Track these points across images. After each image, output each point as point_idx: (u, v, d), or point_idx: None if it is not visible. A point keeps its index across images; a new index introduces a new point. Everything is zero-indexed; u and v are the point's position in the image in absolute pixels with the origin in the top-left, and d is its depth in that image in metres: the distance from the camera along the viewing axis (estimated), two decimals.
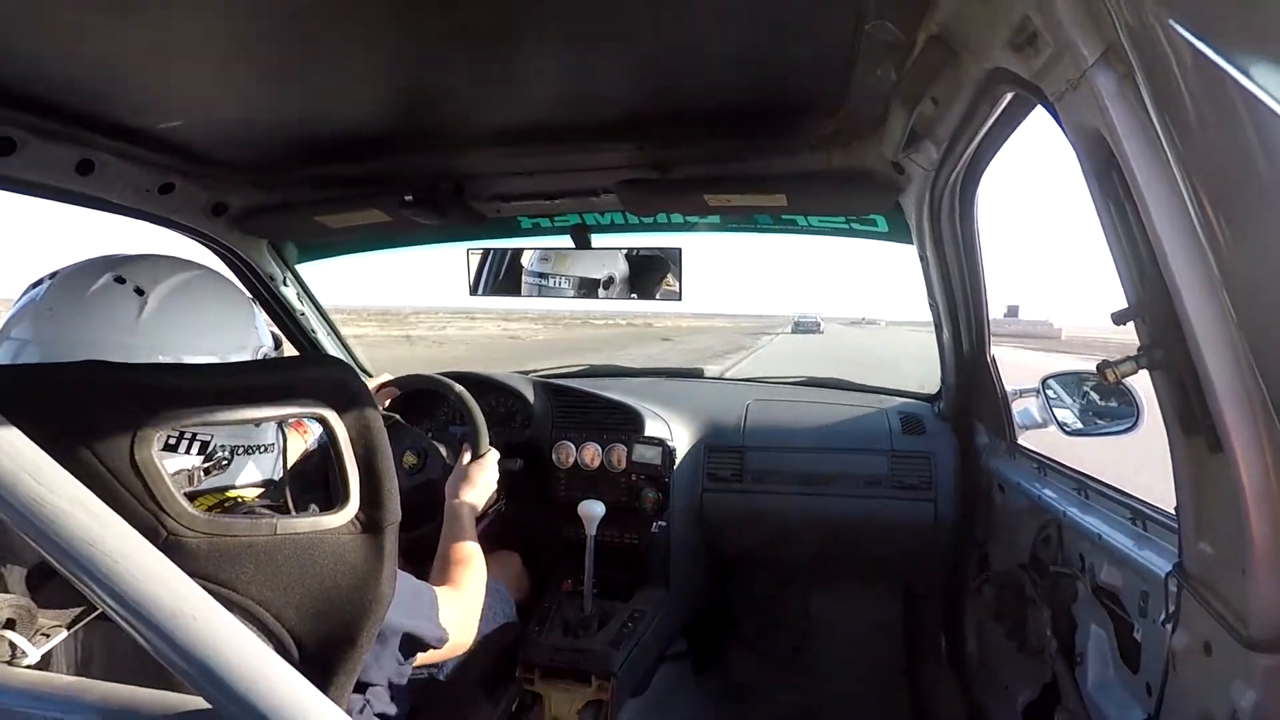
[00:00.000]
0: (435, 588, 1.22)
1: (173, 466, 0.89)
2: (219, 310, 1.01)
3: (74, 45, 1.16)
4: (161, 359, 0.92)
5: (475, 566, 1.42)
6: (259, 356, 1.05)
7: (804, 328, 50.37)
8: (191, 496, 0.90)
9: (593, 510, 1.78)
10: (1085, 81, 0.68)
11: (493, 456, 1.73)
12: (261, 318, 1.09)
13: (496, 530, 2.04)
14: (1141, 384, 1.02)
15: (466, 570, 1.40)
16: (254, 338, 1.04)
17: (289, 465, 1.07)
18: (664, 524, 2.09)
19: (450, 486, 1.63)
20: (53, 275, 0.94)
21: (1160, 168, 0.64)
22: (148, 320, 0.91)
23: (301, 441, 1.41)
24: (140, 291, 0.92)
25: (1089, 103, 0.69)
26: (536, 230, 2.30)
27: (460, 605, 1.29)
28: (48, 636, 0.68)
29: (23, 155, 1.44)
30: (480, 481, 1.65)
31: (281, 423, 1.05)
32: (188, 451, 0.91)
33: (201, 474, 0.93)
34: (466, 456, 1.71)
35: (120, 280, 0.92)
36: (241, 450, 0.98)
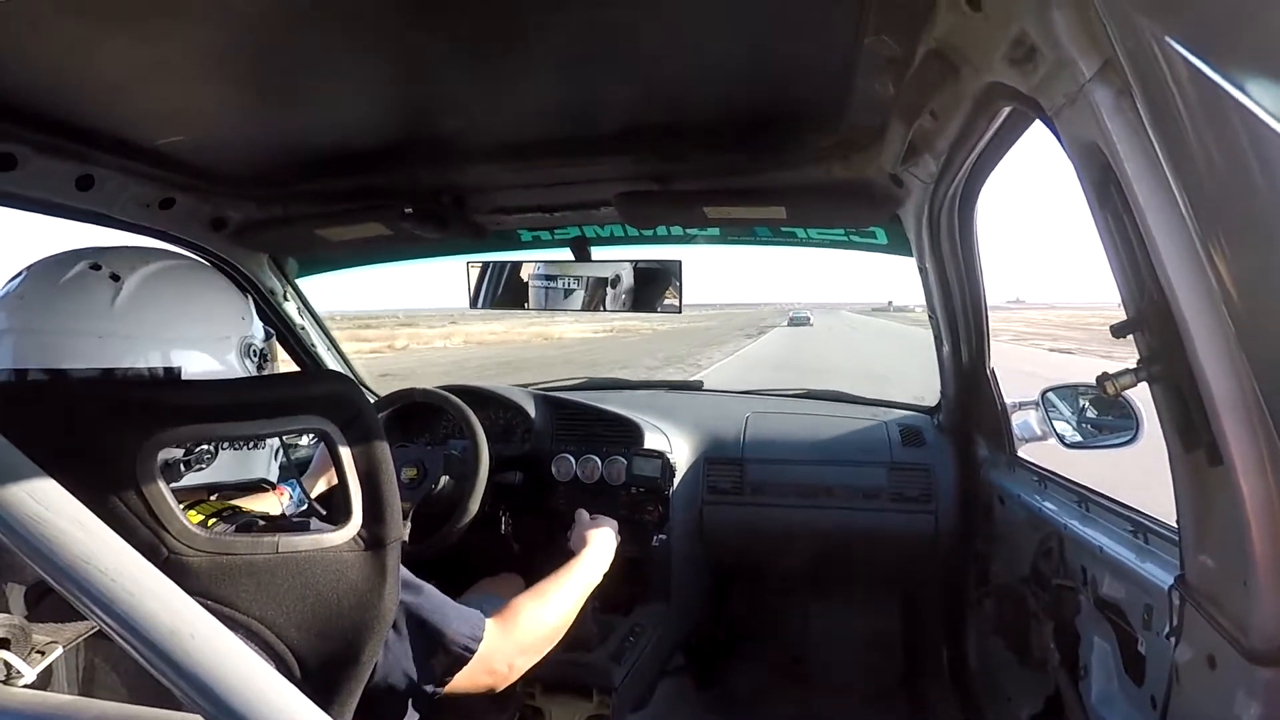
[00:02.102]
0: (502, 620, 1.15)
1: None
2: (199, 297, 0.97)
3: (75, 61, 1.16)
4: (136, 346, 0.88)
5: (565, 613, 1.34)
6: (245, 348, 1.00)
7: (797, 321, 56.86)
8: (190, 504, 0.89)
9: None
10: (1083, 96, 0.69)
11: (612, 525, 1.66)
12: (253, 309, 1.05)
13: (497, 544, 2.03)
14: (1141, 396, 1.02)
15: (556, 614, 1.31)
16: (239, 327, 1.00)
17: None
18: (664, 537, 2.09)
19: (576, 541, 1.56)
20: (29, 268, 0.91)
21: (1158, 182, 0.64)
22: (122, 305, 0.87)
23: (278, 504, 1.38)
24: (116, 278, 0.89)
25: (1087, 117, 0.70)
26: (536, 243, 2.31)
27: (520, 635, 1.19)
28: (43, 654, 0.68)
29: (23, 170, 1.43)
30: (609, 546, 1.58)
31: None
32: None
33: (182, 466, 0.90)
34: (586, 516, 1.65)
35: (95, 267, 0.89)
36: (228, 445, 0.96)
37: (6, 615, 0.66)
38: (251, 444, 0.99)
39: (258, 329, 1.05)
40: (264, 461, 1.04)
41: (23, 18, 1.01)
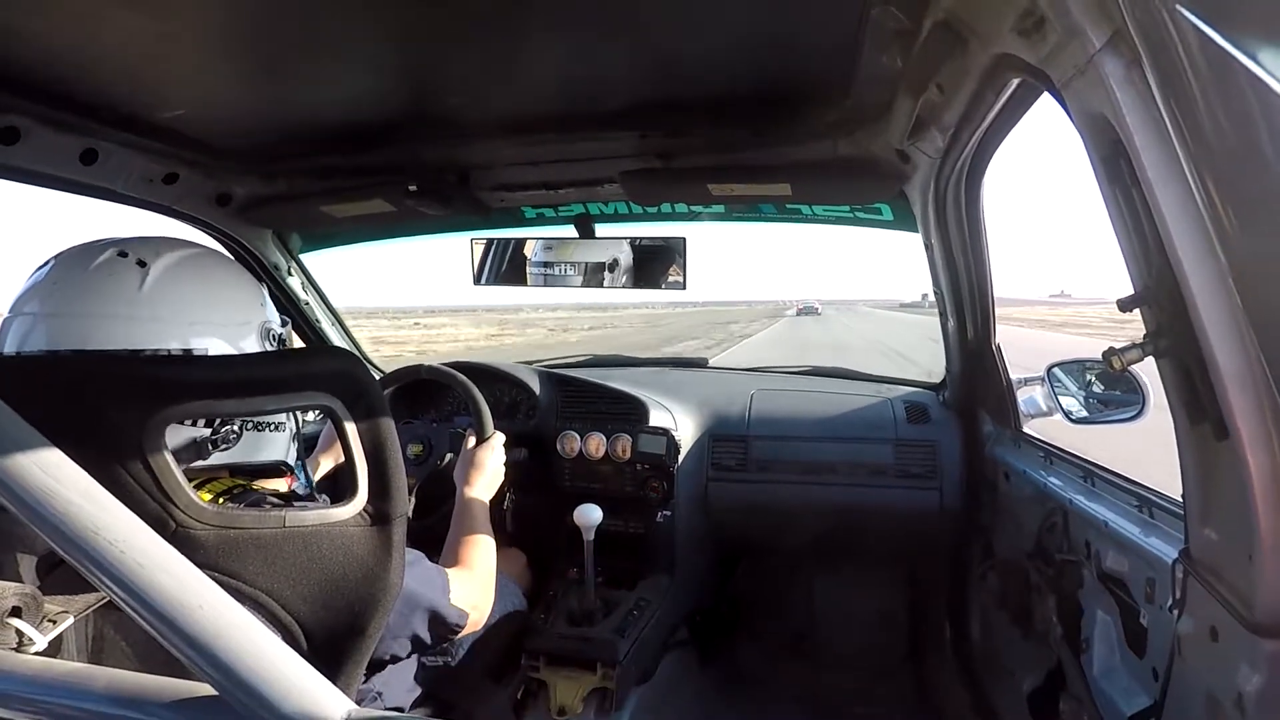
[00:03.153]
0: (446, 569, 1.21)
1: (183, 436, 0.89)
2: (222, 284, 0.99)
3: (79, 33, 1.16)
4: (163, 329, 0.91)
5: (485, 547, 1.42)
6: (265, 334, 1.03)
7: (806, 311, 61.33)
8: (202, 482, 0.90)
9: (589, 517, 1.77)
10: (1092, 67, 0.68)
11: (498, 439, 1.71)
12: (266, 295, 1.08)
13: (503, 520, 2.05)
14: (1147, 371, 1.02)
15: (476, 550, 1.40)
16: (259, 314, 1.03)
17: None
18: (669, 513, 2.10)
19: (459, 474, 1.61)
20: (58, 256, 0.93)
21: (1167, 154, 0.63)
22: (149, 291, 0.90)
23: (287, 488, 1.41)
24: (142, 264, 0.91)
25: (1096, 89, 0.69)
26: (540, 220, 2.30)
27: (472, 583, 1.28)
28: (54, 623, 0.69)
29: (27, 144, 1.43)
30: (489, 466, 1.63)
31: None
32: (194, 424, 0.91)
33: (210, 446, 0.92)
34: (471, 441, 1.69)
35: (123, 254, 0.91)
36: (252, 426, 0.97)
37: (18, 584, 0.67)
38: (272, 426, 1.01)
39: (275, 314, 1.07)
40: (283, 444, 1.05)
41: None
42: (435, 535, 1.48)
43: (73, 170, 1.57)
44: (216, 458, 0.93)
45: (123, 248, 0.92)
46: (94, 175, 1.62)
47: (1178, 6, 0.54)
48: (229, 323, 0.97)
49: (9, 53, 1.22)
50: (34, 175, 1.54)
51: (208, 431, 0.92)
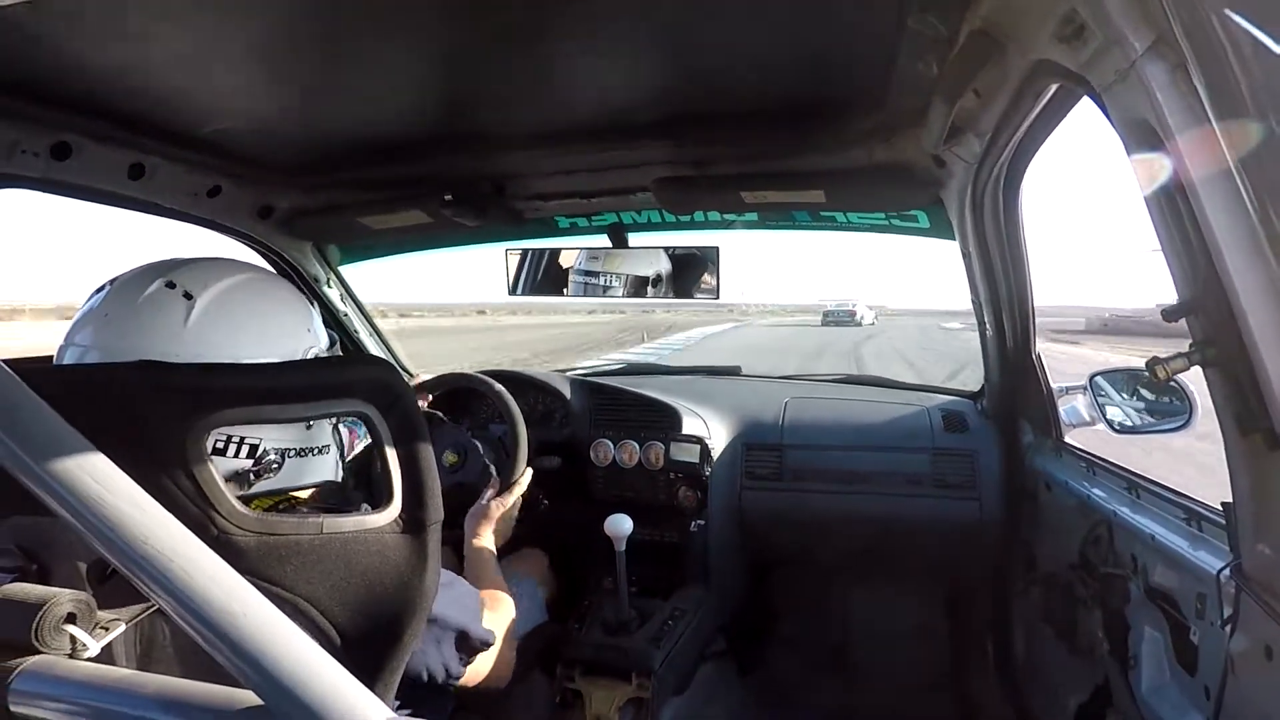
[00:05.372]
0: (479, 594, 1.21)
1: (224, 469, 0.90)
2: (267, 313, 1.00)
3: (128, 52, 1.20)
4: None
5: (502, 610, 1.40)
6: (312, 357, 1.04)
7: (835, 319, 40.97)
8: (247, 500, 0.93)
9: (620, 528, 1.76)
10: (1135, 72, 0.67)
11: (519, 489, 1.72)
12: (318, 319, 1.09)
13: (535, 528, 2.06)
14: (1194, 380, 1.00)
15: (493, 616, 1.36)
16: (305, 339, 1.04)
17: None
18: (702, 522, 2.09)
19: (470, 523, 1.61)
20: (112, 281, 0.95)
21: (1215, 160, 0.62)
22: (194, 326, 0.92)
23: None
24: (189, 296, 0.93)
25: (1138, 94, 0.68)
26: (574, 230, 2.32)
27: (495, 622, 1.28)
28: (107, 630, 0.71)
29: (78, 160, 1.48)
30: (502, 522, 1.65)
31: (337, 424, 1.05)
32: (236, 455, 0.92)
33: (252, 476, 0.94)
34: (489, 493, 1.68)
35: (171, 285, 0.93)
36: (294, 454, 0.99)
37: (74, 591, 0.69)
38: (315, 451, 1.02)
39: (323, 337, 1.08)
40: (330, 466, 1.06)
41: (78, 10, 1.05)
42: (455, 547, 1.50)
43: (121, 185, 1.63)
44: (260, 486, 0.95)
45: (172, 277, 0.93)
46: (141, 190, 1.67)
47: (1226, 10, 0.53)
48: (272, 354, 0.99)
49: (62, 72, 1.26)
50: (84, 190, 1.59)
51: (249, 463, 0.93)
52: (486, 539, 1.59)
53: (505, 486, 1.71)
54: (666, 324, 46.73)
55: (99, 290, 0.95)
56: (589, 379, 2.43)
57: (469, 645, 1.13)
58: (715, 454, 2.13)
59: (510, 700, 1.61)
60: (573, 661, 1.73)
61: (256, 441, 0.94)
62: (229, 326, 0.95)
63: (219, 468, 0.87)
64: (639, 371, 2.87)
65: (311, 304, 1.10)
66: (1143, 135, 0.71)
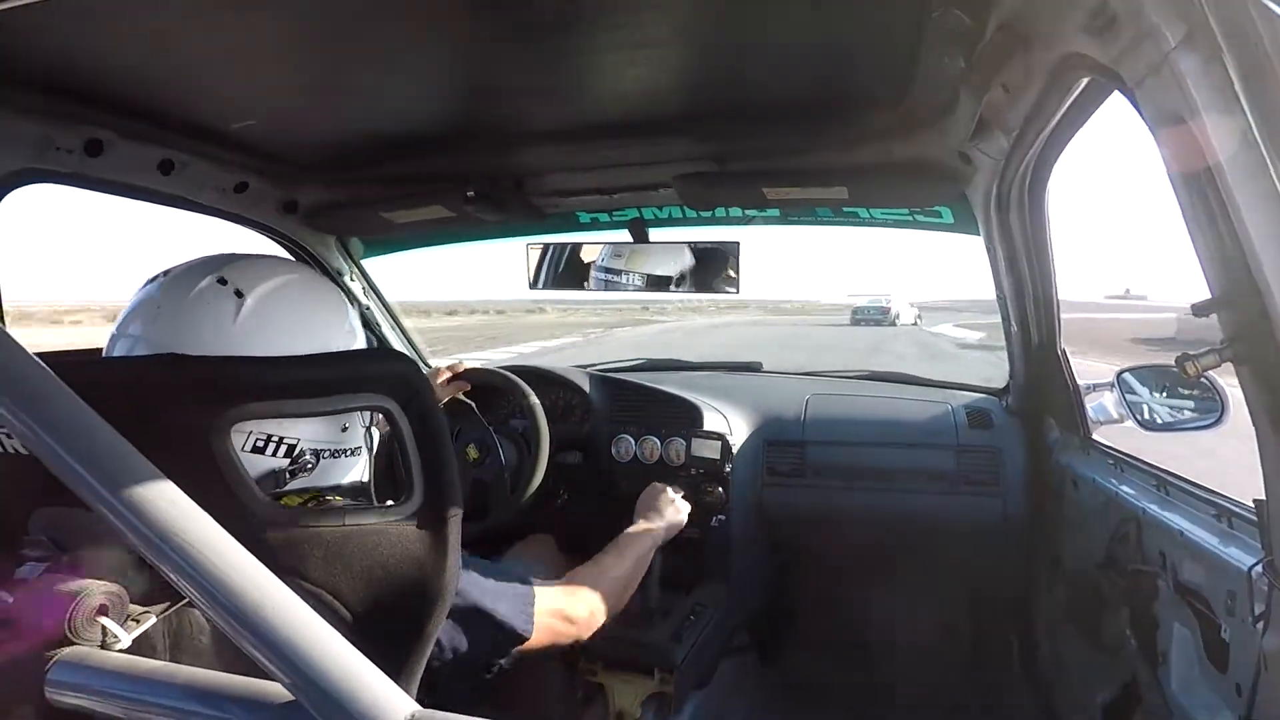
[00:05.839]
0: (548, 584, 1.22)
1: (262, 467, 0.92)
2: (312, 313, 1.01)
3: (158, 50, 1.23)
4: None
5: (623, 566, 1.46)
6: None
7: (865, 317, 33.20)
8: (277, 497, 0.94)
9: None
10: (1167, 64, 0.66)
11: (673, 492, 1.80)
12: (356, 317, 1.09)
13: (555, 523, 2.07)
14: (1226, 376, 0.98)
15: (613, 568, 1.44)
16: (345, 340, 1.04)
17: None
18: (724, 518, 2.09)
19: (640, 507, 1.71)
20: (166, 273, 0.97)
21: (1251, 154, 0.61)
22: (243, 323, 0.93)
23: None
24: (240, 294, 0.94)
25: (1171, 87, 0.67)
26: (595, 225, 2.32)
27: (579, 595, 1.30)
28: (138, 622, 0.72)
29: (110, 156, 1.51)
30: (669, 513, 1.72)
31: (369, 426, 1.05)
32: (275, 454, 0.93)
33: (288, 475, 0.95)
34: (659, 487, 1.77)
35: (222, 281, 0.94)
36: (328, 454, 0.99)
37: (106, 583, 0.70)
38: (347, 452, 1.03)
39: (360, 335, 1.09)
40: (361, 466, 1.06)
41: (109, 9, 1.07)
42: (484, 538, 1.51)
43: (152, 180, 1.66)
44: (293, 485, 0.96)
45: (223, 273, 0.95)
46: (171, 185, 1.70)
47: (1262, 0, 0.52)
48: (316, 350, 0.98)
49: (94, 71, 1.29)
50: (116, 185, 1.62)
51: (286, 462, 0.94)
52: (654, 523, 1.67)
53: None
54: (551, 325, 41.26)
55: (152, 280, 0.97)
56: (610, 374, 2.44)
57: (501, 630, 1.11)
58: (736, 450, 2.13)
59: (533, 693, 1.62)
60: (595, 656, 1.74)
61: (294, 441, 0.94)
62: (275, 325, 0.96)
63: (258, 466, 0.89)
64: (659, 367, 2.87)
65: (349, 305, 1.10)
66: (1175, 129, 0.70)
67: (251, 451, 0.91)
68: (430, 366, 2.04)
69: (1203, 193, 0.70)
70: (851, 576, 2.52)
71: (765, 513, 2.20)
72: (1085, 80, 1.00)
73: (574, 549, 2.08)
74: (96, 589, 0.69)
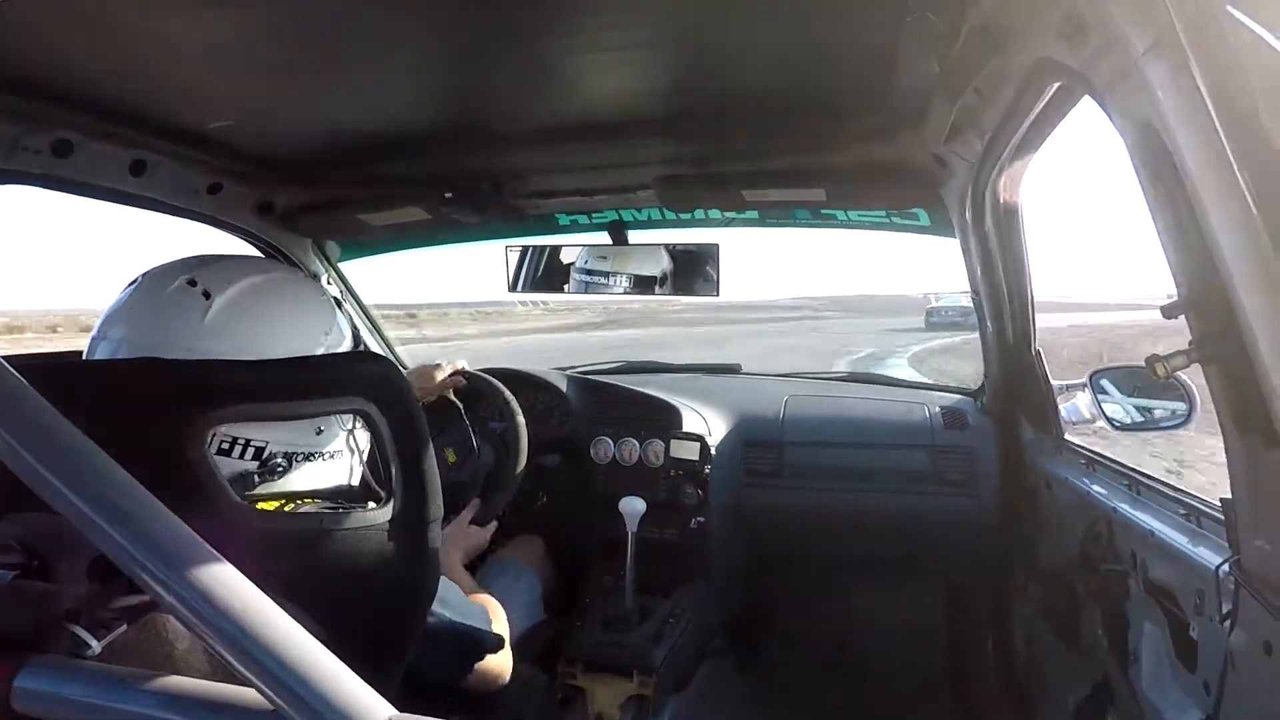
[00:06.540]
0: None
1: (228, 470, 0.89)
2: (285, 314, 0.99)
3: (129, 48, 1.20)
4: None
5: (498, 615, 1.37)
6: None
7: (942, 319, 27.23)
8: (252, 500, 0.92)
9: (634, 507, 1.77)
10: (1136, 70, 0.67)
11: (492, 525, 1.72)
12: (343, 321, 1.07)
13: (535, 525, 2.07)
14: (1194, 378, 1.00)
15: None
16: (324, 340, 1.01)
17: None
18: (702, 519, 2.09)
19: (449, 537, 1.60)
20: (145, 275, 0.96)
21: (1216, 159, 0.62)
22: (210, 324, 0.91)
23: None
24: (208, 295, 0.92)
25: (1139, 93, 0.68)
26: (574, 227, 2.32)
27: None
28: (109, 628, 0.70)
29: (79, 157, 1.48)
30: (473, 547, 1.64)
31: (352, 430, 1.03)
32: (241, 456, 0.91)
33: (256, 478, 0.92)
34: (466, 514, 1.67)
35: (192, 283, 0.93)
36: (302, 457, 0.97)
37: (74, 589, 0.69)
38: (326, 456, 1.00)
39: (347, 339, 1.06)
40: (344, 470, 1.04)
41: (77, 7, 1.05)
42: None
43: (122, 182, 1.62)
44: (271, 487, 0.93)
45: (194, 275, 0.93)
46: (142, 186, 1.67)
47: (1229, 8, 0.53)
48: (289, 351, 0.96)
49: (62, 69, 1.26)
50: (86, 187, 1.59)
51: (254, 465, 0.92)
52: (455, 561, 1.54)
53: (487, 514, 1.69)
54: None
55: (132, 283, 0.96)
56: (588, 376, 2.44)
57: (478, 648, 1.12)
58: (715, 451, 2.13)
59: (511, 697, 1.61)
60: (574, 659, 1.73)
61: (263, 444, 0.92)
62: (245, 325, 0.94)
63: (224, 468, 0.87)
64: (639, 369, 2.87)
65: (334, 305, 1.08)
66: (1144, 134, 0.71)
67: (216, 454, 0.88)
68: (408, 369, 2.03)
69: (1171, 197, 0.71)
70: (829, 576, 2.53)
71: (744, 514, 2.20)
72: (1057, 84, 1.02)
73: (554, 551, 2.07)
74: (66, 595, 0.67)
